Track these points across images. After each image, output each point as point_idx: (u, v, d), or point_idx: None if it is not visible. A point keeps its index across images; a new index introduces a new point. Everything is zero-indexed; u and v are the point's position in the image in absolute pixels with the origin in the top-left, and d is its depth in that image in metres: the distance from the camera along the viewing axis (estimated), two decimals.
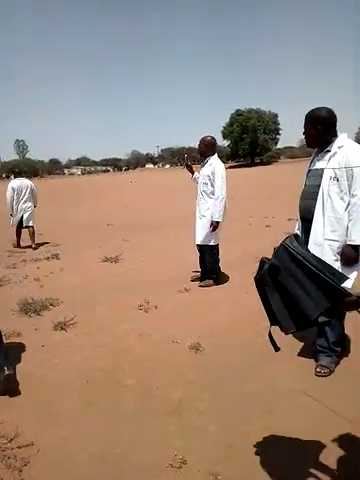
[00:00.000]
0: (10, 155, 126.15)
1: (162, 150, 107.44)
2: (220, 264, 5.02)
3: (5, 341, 3.53)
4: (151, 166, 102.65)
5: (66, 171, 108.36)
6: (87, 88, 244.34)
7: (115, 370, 2.99)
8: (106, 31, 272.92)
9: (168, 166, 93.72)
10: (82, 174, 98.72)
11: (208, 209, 4.72)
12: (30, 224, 8.37)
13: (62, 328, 3.77)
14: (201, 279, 4.97)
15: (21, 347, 3.44)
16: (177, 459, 2.04)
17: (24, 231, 8.43)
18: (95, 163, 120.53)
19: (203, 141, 4.87)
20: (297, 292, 1.42)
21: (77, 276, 5.67)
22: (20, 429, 2.33)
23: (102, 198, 21.01)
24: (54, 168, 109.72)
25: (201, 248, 4.96)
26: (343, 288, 1.38)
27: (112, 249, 7.33)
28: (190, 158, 5.17)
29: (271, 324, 1.59)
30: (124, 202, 17.25)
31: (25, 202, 8.32)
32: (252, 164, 64.22)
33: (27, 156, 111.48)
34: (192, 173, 5.07)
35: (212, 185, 4.65)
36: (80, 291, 4.95)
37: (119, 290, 4.88)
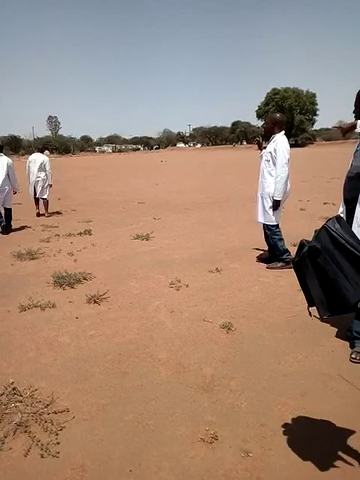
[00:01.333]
0: (44, 131, 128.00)
1: (194, 129, 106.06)
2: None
3: (40, 312, 3.67)
4: (182, 145, 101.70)
5: (97, 149, 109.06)
6: (120, 66, 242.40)
7: (148, 344, 3.04)
8: (145, 7, 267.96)
9: (199, 145, 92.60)
10: (113, 152, 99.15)
11: (269, 187, 4.59)
12: (44, 196, 9.19)
13: (95, 301, 3.86)
14: (269, 260, 4.87)
15: (56, 318, 3.55)
16: (209, 434, 2.07)
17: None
18: (126, 141, 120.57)
19: (270, 118, 4.75)
20: (337, 276, 1.38)
21: (109, 252, 5.75)
22: (56, 396, 2.41)
23: (133, 176, 21.07)
24: (86, 145, 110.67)
25: (264, 226, 4.86)
26: None
27: (143, 227, 7.38)
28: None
29: (309, 305, 1.56)
30: (155, 181, 17.23)
31: (38, 175, 9.08)
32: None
33: (59, 133, 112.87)
34: (261, 150, 4.91)
35: (274, 163, 4.50)
36: (112, 267, 5.03)
37: (150, 267, 4.92)
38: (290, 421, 2.16)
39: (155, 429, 2.14)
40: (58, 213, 9.67)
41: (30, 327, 3.39)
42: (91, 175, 22.77)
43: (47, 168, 9.22)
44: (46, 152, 11.72)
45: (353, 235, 1.43)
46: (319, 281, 1.44)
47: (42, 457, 1.95)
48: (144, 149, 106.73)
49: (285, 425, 2.13)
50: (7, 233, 7.43)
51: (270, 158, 4.52)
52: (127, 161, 42.73)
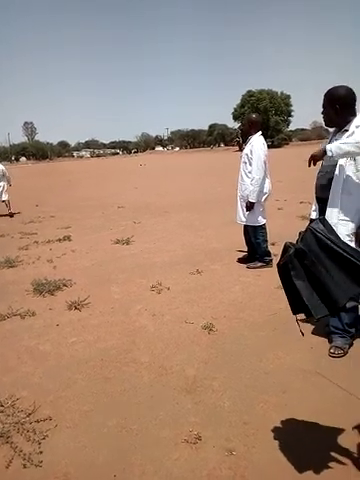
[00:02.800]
0: (19, 138, 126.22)
1: (171, 132, 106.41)
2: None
3: (20, 320, 3.62)
4: (160, 149, 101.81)
5: (75, 154, 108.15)
6: (96, 70, 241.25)
7: (130, 348, 3.04)
8: (119, 15, 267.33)
9: (177, 148, 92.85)
10: (91, 157, 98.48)
11: (247, 189, 4.63)
12: (3, 198, 10.34)
13: (76, 308, 3.83)
14: (248, 260, 4.91)
15: (36, 326, 3.50)
16: (192, 435, 2.08)
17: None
18: (104, 146, 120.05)
19: (247, 119, 4.81)
20: (324, 277, 1.40)
21: (89, 258, 5.71)
22: (38, 405, 2.38)
23: (112, 180, 20.98)
24: (63, 151, 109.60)
25: (245, 228, 4.90)
26: None
27: (123, 231, 7.36)
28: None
29: (294, 313, 1.58)
30: (134, 184, 17.19)
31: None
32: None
33: (36, 138, 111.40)
34: (242, 151, 4.96)
35: (250, 164, 4.55)
36: (93, 272, 5.00)
37: (131, 271, 4.91)
38: (272, 418, 2.20)
39: (139, 433, 2.14)
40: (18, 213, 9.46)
41: (10, 336, 3.34)
42: (69, 180, 22.57)
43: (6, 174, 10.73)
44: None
45: (338, 236, 1.47)
46: (309, 282, 1.46)
47: (24, 467, 1.93)
48: (123, 153, 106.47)
49: (268, 423, 2.16)
50: None
51: (247, 160, 4.59)
52: (106, 165, 42.51)
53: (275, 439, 2.04)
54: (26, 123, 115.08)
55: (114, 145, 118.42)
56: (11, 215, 10.40)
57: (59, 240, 6.94)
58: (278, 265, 1.57)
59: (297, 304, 1.50)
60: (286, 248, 1.52)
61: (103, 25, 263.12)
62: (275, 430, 2.11)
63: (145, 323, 3.46)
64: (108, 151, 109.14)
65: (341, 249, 1.40)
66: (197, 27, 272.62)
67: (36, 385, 2.62)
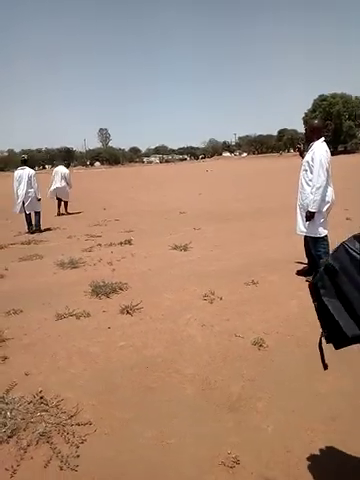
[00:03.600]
0: (95, 143, 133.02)
1: (239, 138, 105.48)
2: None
3: (75, 321, 3.75)
4: (228, 154, 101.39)
5: (145, 159, 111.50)
6: (166, 78, 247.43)
7: (175, 358, 3.00)
8: (190, 22, 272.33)
9: (245, 154, 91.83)
10: (160, 162, 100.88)
11: (307, 198, 4.41)
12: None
13: (128, 312, 3.88)
14: (308, 273, 4.63)
15: (89, 328, 3.60)
16: (230, 458, 1.98)
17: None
18: (173, 151, 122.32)
19: (308, 125, 4.63)
20: (354, 297, 1.27)
21: (147, 263, 5.79)
22: (80, 407, 2.43)
23: (177, 186, 21.27)
24: (134, 156, 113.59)
25: (306, 239, 4.68)
26: None
27: (182, 237, 7.37)
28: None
29: (325, 338, 1.44)
30: (198, 190, 17.25)
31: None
32: (335, 152, 60.42)
33: (109, 144, 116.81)
34: (303, 158, 4.75)
35: (312, 172, 4.34)
36: (148, 277, 5.05)
37: (186, 279, 4.89)
38: (319, 448, 2.03)
39: (175, 449, 2.08)
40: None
41: (64, 336, 3.47)
42: (137, 185, 23.27)
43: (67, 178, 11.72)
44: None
45: None
46: (341, 302, 1.34)
47: (61, 469, 1.96)
48: (190, 159, 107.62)
49: (313, 452, 2.00)
50: (33, 233, 8.84)
51: (308, 167, 4.35)
52: (173, 171, 43.25)
53: (319, 472, 1.88)
54: (101, 129, 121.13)
55: (182, 151, 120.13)
56: (60, 214, 11.76)
57: (120, 243, 7.14)
58: (309, 285, 1.44)
59: (329, 329, 1.37)
60: (319, 266, 1.40)
61: (172, 35, 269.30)
62: (320, 461, 1.94)
63: (193, 333, 3.40)
64: (176, 157, 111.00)
65: None
66: (266, 29, 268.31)
67: (81, 387, 2.67)
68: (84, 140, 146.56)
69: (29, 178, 9.04)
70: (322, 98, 63.24)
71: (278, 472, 1.89)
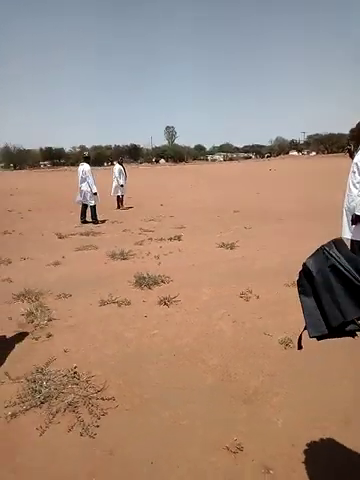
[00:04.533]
0: (162, 141, 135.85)
1: (308, 136, 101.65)
2: None
3: (116, 308, 4.02)
4: (295, 153, 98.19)
5: (209, 157, 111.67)
6: (232, 75, 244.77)
7: (202, 349, 3.13)
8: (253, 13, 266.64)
9: (314, 153, 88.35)
10: (224, 160, 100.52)
11: (353, 201, 4.30)
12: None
13: (165, 303, 4.07)
14: None
15: (128, 315, 3.85)
16: (235, 444, 2.09)
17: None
18: (238, 150, 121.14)
19: (357, 125, 4.50)
20: (325, 300, 1.34)
21: (192, 258, 5.96)
22: (107, 385, 2.66)
23: (237, 184, 21.16)
24: (199, 154, 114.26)
25: (352, 243, 4.58)
26: None
27: (232, 236, 7.43)
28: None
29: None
30: (257, 190, 17.06)
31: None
32: None
33: (175, 142, 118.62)
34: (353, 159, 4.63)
35: None
36: (191, 272, 5.21)
37: (226, 276, 4.98)
38: (326, 447, 2.06)
39: (186, 430, 2.23)
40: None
41: (104, 320, 3.75)
42: (196, 182, 23.50)
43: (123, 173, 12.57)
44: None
45: (351, 260, 1.37)
46: (315, 300, 1.42)
47: (81, 435, 2.20)
48: (255, 157, 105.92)
49: (319, 450, 2.04)
50: (85, 223, 9.62)
51: (356, 169, 4.21)
52: (235, 169, 42.94)
53: (320, 469, 1.92)
54: (168, 127, 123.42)
55: (247, 149, 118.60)
56: (119, 207, 12.57)
57: (170, 239, 7.38)
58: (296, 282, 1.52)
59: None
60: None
61: (235, 33, 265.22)
62: (325, 460, 1.98)
63: (224, 328, 3.51)
64: (241, 155, 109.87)
65: (351, 275, 1.31)
66: (336, 28, 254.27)
67: (111, 367, 2.91)
68: (151, 137, 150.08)
69: (83, 173, 9.84)
70: None
71: (278, 463, 1.97)
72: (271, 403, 2.44)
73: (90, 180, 9.75)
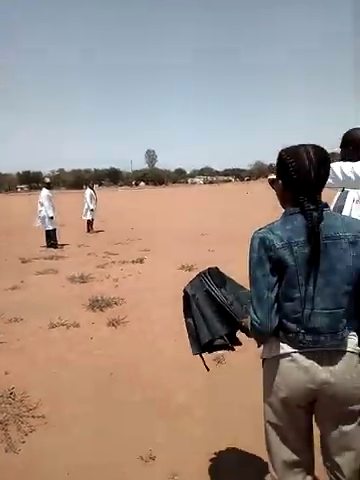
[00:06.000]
0: (142, 164, 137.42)
1: None
2: None
3: (64, 330, 4.13)
4: (274, 177, 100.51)
5: (189, 180, 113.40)
6: (213, 101, 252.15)
7: (139, 368, 3.28)
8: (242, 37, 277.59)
9: None
10: (203, 183, 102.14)
11: None
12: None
13: (113, 325, 4.22)
14: None
15: (75, 337, 3.97)
16: (148, 454, 2.23)
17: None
18: (218, 173, 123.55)
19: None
20: (200, 319, 1.56)
21: (150, 280, 6.13)
22: (40, 403, 2.77)
23: (211, 207, 21.61)
24: (179, 177, 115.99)
25: None
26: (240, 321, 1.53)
27: (194, 258, 7.64)
28: None
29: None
30: (230, 213, 17.47)
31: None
32: None
33: (156, 165, 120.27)
34: None
35: None
36: (146, 294, 5.38)
37: (179, 297, 5.13)
38: (234, 453, 2.22)
39: (106, 443, 2.37)
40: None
41: (50, 343, 3.86)
42: (171, 205, 23.89)
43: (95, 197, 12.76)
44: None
45: (221, 285, 1.61)
46: (192, 320, 1.63)
47: (6, 451, 2.31)
48: (235, 180, 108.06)
49: (228, 457, 2.21)
50: (55, 247, 9.70)
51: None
52: (212, 192, 43.76)
53: (225, 474, 2.08)
54: (148, 151, 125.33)
55: (227, 172, 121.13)
56: (89, 231, 12.75)
57: (133, 262, 7.55)
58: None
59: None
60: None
61: (220, 58, 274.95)
62: (229, 465, 2.14)
63: (165, 346, 3.67)
64: (221, 178, 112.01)
65: (219, 299, 1.54)
66: (316, 40, 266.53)
67: (48, 387, 3.02)
68: (130, 161, 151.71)
69: (41, 198, 10.17)
70: None
71: (186, 469, 2.12)
72: (192, 416, 2.60)
73: (46, 204, 9.97)
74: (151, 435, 2.42)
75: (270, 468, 1.50)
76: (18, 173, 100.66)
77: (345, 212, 2.31)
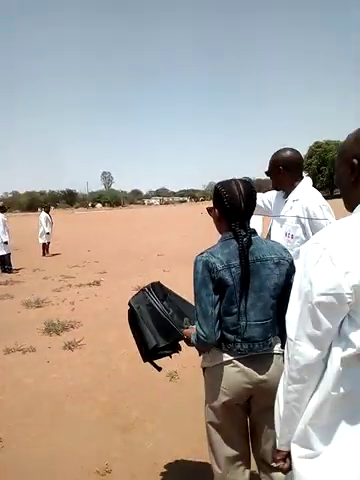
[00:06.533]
0: (98, 186, 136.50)
1: None
2: None
3: (21, 355, 4.14)
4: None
5: (146, 201, 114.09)
6: (168, 123, 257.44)
7: (95, 388, 3.40)
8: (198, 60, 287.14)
9: None
10: (160, 204, 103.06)
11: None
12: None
13: (70, 348, 4.29)
14: None
15: (31, 361, 4.01)
16: (105, 468, 2.36)
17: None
18: (174, 194, 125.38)
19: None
20: (144, 328, 1.77)
21: (106, 302, 6.23)
22: None
23: (166, 228, 21.96)
24: (135, 198, 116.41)
25: None
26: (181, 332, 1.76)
27: (149, 279, 7.81)
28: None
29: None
30: (185, 233, 17.87)
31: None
32: (331, 196, 61.76)
33: (112, 187, 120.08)
34: None
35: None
36: (102, 316, 5.48)
37: None
38: (183, 461, 2.41)
39: (66, 460, 2.47)
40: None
41: (6, 368, 3.87)
42: (127, 227, 23.98)
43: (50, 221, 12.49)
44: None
45: (163, 298, 1.83)
46: (139, 331, 1.83)
47: None
48: (190, 201, 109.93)
49: (177, 464, 2.38)
50: (10, 272, 9.62)
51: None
52: (167, 213, 44.30)
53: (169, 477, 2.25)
54: (104, 173, 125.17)
55: (183, 193, 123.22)
56: (44, 254, 12.65)
57: (89, 284, 7.61)
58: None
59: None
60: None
61: (172, 83, 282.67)
62: (181, 473, 2.31)
63: (121, 366, 3.81)
64: (176, 199, 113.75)
65: (160, 310, 1.75)
66: (268, 76, 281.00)
67: (5, 411, 3.07)
68: (87, 183, 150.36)
69: None
70: (317, 145, 65.65)
71: (141, 478, 2.27)
72: (146, 430, 2.76)
73: (0, 229, 9.81)
74: (107, 450, 2.55)
75: (214, 465, 1.71)
76: None
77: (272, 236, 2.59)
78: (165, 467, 2.36)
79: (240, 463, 1.69)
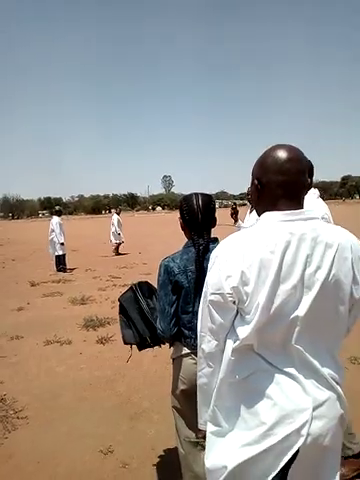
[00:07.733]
0: (159, 189, 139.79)
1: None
2: None
3: (58, 347, 4.59)
4: None
5: None
6: (226, 124, 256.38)
7: (116, 379, 3.71)
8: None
9: None
10: (219, 207, 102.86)
11: None
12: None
13: (102, 342, 4.66)
14: None
15: (66, 353, 4.42)
16: (108, 448, 2.64)
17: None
18: (233, 197, 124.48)
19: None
20: (130, 322, 2.01)
21: None
22: (26, 407, 3.22)
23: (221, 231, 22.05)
24: None
25: None
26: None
27: None
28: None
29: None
30: None
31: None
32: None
33: (172, 190, 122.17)
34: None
35: None
36: None
37: None
38: (173, 449, 2.59)
39: (75, 440, 2.78)
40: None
41: (43, 357, 4.32)
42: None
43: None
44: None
45: (148, 296, 2.05)
46: (127, 321, 2.07)
47: None
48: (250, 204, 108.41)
49: (172, 452, 2.58)
50: (64, 271, 10.30)
51: None
52: (227, 216, 44.19)
53: (167, 465, 2.46)
54: (165, 176, 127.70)
55: (243, 196, 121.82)
56: (117, 253, 13.50)
57: None
58: None
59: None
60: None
61: (240, 86, 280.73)
62: (173, 458, 2.51)
63: (144, 361, 4.07)
64: (239, 202, 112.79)
65: (142, 306, 1.98)
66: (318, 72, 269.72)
67: (35, 394, 3.47)
68: (147, 186, 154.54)
69: (52, 225, 10.81)
70: None
71: (135, 460, 2.53)
72: (151, 419, 3.00)
73: (57, 231, 10.59)
74: (113, 434, 2.83)
75: (178, 445, 1.91)
76: (39, 199, 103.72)
77: None
78: (161, 452, 2.58)
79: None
